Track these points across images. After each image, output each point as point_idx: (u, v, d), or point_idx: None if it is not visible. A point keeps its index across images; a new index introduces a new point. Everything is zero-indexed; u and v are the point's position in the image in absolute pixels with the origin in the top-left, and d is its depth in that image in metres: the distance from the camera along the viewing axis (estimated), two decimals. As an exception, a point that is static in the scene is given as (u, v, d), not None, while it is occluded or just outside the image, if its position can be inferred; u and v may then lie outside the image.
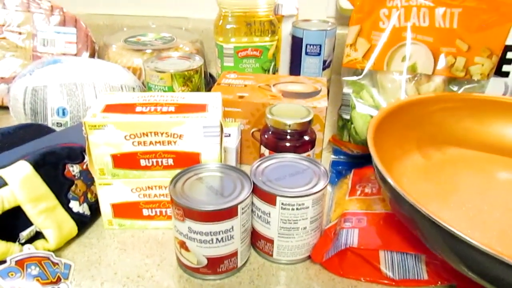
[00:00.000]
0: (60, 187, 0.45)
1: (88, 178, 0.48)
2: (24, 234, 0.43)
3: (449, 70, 0.57)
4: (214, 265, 0.41)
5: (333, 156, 0.63)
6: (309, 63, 0.76)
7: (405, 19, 0.57)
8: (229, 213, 0.39)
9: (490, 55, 0.55)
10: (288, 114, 0.51)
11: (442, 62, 0.57)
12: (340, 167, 0.61)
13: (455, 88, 0.58)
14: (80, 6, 1.00)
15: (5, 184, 0.41)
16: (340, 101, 0.63)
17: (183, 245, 0.41)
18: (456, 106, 0.55)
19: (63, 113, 0.61)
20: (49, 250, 0.41)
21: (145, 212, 0.48)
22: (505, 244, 0.41)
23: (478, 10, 0.54)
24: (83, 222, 0.48)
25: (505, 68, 0.72)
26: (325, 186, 0.42)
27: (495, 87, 0.65)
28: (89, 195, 0.48)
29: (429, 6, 0.55)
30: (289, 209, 0.41)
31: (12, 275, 0.39)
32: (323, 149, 0.63)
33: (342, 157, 0.63)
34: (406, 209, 0.37)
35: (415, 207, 0.35)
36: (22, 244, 0.43)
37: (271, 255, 0.44)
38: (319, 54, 0.75)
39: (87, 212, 0.48)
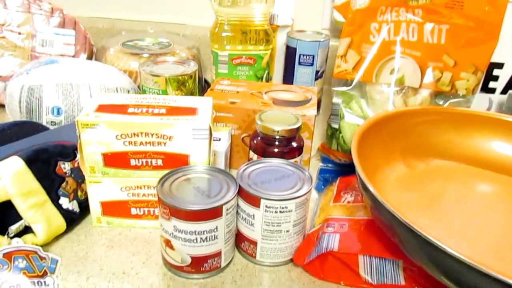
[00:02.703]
0: (51, 183, 0.46)
1: (79, 175, 0.49)
2: (13, 228, 0.44)
3: (436, 84, 0.58)
4: (198, 264, 0.42)
5: (321, 164, 0.65)
6: (302, 73, 0.78)
7: (394, 34, 0.59)
8: (214, 213, 0.40)
9: (476, 71, 0.57)
10: (277, 121, 0.53)
11: (429, 76, 0.58)
12: (327, 175, 0.62)
13: (441, 102, 0.59)
14: (81, 9, 1.02)
15: (-3, 178, 0.42)
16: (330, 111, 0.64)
17: (168, 243, 0.42)
18: (440, 119, 0.57)
19: (58, 112, 0.62)
20: (37, 245, 0.42)
21: (133, 211, 0.49)
22: (480, 254, 0.42)
23: (465, 28, 0.56)
24: (72, 219, 0.49)
25: (492, 84, 0.74)
26: (309, 191, 0.43)
27: (480, 103, 0.67)
28: (79, 193, 0.49)
29: (418, 22, 0.57)
30: (272, 211, 0.42)
31: (-1, 267, 0.40)
32: (312, 157, 0.64)
33: (330, 165, 0.64)
34: (385, 216, 0.39)
35: (393, 214, 0.36)
36: (11, 238, 0.44)
37: (255, 257, 0.45)
38: (312, 64, 0.77)
39: (76, 209, 0.49)
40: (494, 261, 0.40)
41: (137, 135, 0.45)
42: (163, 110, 0.46)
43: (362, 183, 0.41)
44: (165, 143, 0.45)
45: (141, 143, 0.45)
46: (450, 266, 0.34)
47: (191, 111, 0.47)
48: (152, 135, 0.45)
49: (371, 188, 0.39)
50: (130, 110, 0.46)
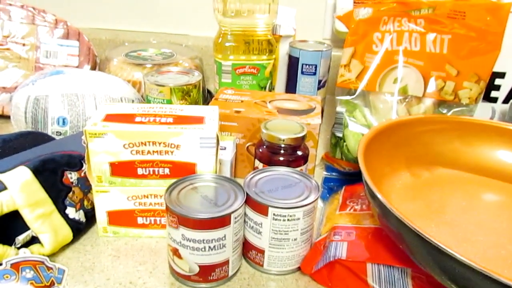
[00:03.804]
0: (58, 193, 0.46)
1: (85, 185, 0.49)
2: (21, 238, 0.44)
3: (439, 93, 0.59)
4: (206, 273, 0.42)
5: (325, 173, 0.65)
6: (305, 82, 0.78)
7: (397, 43, 0.59)
8: (222, 221, 0.40)
9: (478, 80, 0.57)
10: (282, 129, 0.53)
11: (432, 86, 0.59)
12: (332, 184, 0.62)
13: (444, 111, 0.60)
14: (84, 20, 1.03)
15: (5, 188, 0.42)
16: (333, 120, 0.65)
17: (176, 252, 0.42)
18: (444, 128, 0.57)
19: (63, 123, 0.62)
20: (44, 255, 0.42)
21: (140, 220, 0.49)
22: (487, 261, 0.42)
23: (467, 38, 0.56)
24: (79, 229, 0.48)
25: (494, 94, 0.75)
26: (316, 199, 0.43)
27: (483, 112, 0.67)
28: (85, 203, 0.49)
29: (421, 32, 0.58)
30: (280, 220, 0.42)
31: (7, 277, 0.39)
32: (316, 166, 0.64)
33: (334, 174, 0.64)
34: (393, 223, 0.39)
35: (402, 221, 0.36)
36: (18, 248, 0.43)
37: (262, 265, 0.45)
38: (314, 73, 0.77)
39: (83, 219, 0.49)
40: (502, 269, 0.40)
41: (145, 144, 0.45)
42: (170, 119, 0.47)
43: (370, 191, 0.41)
44: (172, 152, 0.45)
45: (149, 152, 0.45)
46: (459, 273, 0.34)
47: (198, 120, 0.47)
48: (159, 144, 0.45)
49: (379, 196, 0.39)
50: (138, 119, 0.46)
